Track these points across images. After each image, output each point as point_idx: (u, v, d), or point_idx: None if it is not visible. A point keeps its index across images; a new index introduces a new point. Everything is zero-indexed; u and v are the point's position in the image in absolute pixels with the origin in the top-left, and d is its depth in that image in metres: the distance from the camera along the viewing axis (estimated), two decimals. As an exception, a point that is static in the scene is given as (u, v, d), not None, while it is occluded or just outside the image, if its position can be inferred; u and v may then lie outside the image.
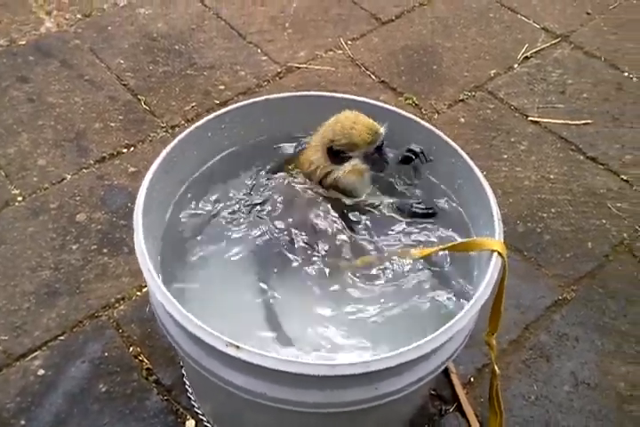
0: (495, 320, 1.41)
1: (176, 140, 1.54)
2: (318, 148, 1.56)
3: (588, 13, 3.00)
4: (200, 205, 1.61)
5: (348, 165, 1.54)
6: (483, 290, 1.28)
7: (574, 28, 2.91)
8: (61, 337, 1.82)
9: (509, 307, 1.90)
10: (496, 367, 1.46)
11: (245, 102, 1.65)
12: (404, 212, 1.56)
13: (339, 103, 1.66)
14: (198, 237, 1.56)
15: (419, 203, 1.56)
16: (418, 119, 1.58)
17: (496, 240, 1.34)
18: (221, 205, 1.61)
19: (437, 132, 1.55)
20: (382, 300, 1.45)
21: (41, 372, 1.74)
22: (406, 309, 1.44)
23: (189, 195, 1.61)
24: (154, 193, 1.46)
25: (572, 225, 2.17)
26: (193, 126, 1.59)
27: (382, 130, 1.51)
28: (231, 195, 1.63)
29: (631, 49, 2.81)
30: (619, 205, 2.24)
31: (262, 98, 1.67)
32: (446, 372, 1.74)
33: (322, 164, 1.56)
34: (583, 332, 1.90)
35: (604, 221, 2.19)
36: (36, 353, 1.78)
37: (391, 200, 1.59)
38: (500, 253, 1.32)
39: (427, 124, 1.57)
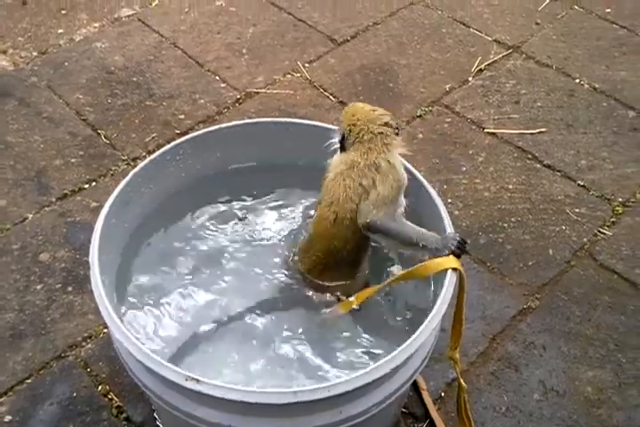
0: (456, 335, 1.42)
1: (131, 175, 1.56)
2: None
3: (538, 24, 3.08)
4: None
5: None
6: (439, 306, 1.30)
7: (525, 38, 2.99)
8: (28, 380, 1.79)
9: (475, 319, 1.91)
10: (462, 381, 1.47)
11: (198, 133, 1.67)
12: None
13: (288, 128, 1.70)
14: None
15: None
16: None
17: (449, 258, 1.36)
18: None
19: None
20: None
21: (8, 418, 1.72)
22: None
23: (147, 230, 1.62)
24: (110, 229, 1.46)
25: (532, 233, 2.20)
26: (147, 160, 1.61)
27: None
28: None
29: (580, 56, 2.89)
30: (577, 210, 2.28)
31: (215, 127, 1.69)
32: (417, 389, 1.75)
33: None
34: (549, 339, 1.92)
35: (563, 228, 2.22)
36: (1, 399, 1.75)
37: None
38: (455, 270, 1.33)
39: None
